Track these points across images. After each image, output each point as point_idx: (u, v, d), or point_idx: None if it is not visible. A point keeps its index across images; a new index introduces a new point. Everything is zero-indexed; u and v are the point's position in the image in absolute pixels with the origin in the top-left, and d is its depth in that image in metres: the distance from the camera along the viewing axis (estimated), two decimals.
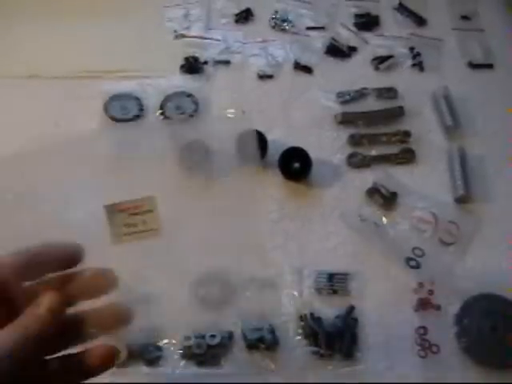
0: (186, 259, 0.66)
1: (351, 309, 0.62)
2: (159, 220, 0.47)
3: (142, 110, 0.77)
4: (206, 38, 0.86)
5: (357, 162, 0.73)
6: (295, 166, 0.71)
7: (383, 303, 0.63)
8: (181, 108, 0.77)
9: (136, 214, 0.47)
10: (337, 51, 0.85)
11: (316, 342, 0.60)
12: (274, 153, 0.72)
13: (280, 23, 0.88)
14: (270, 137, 0.72)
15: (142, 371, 0.59)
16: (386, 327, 0.62)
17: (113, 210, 0.46)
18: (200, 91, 0.79)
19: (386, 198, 0.70)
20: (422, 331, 0.61)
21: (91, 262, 0.40)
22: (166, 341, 0.60)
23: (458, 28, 0.87)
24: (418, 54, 0.84)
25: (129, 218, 0.47)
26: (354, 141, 0.75)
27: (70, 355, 0.37)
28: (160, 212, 0.47)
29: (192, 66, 0.82)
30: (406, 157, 0.74)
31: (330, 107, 0.79)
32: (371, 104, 0.79)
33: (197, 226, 0.69)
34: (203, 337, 0.60)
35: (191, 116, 0.77)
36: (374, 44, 0.85)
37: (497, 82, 0.81)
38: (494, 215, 0.69)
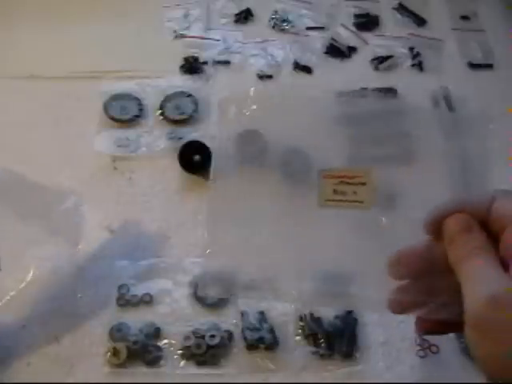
0: (186, 259, 0.66)
1: (351, 309, 0.62)
2: (371, 194, 0.49)
3: (141, 110, 0.77)
4: (205, 38, 0.86)
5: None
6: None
7: (383, 303, 0.63)
8: (180, 108, 0.77)
9: (348, 183, 0.48)
10: (336, 51, 0.85)
11: (316, 342, 0.60)
12: (274, 153, 0.71)
13: (280, 23, 0.88)
14: (269, 137, 0.72)
15: (141, 371, 0.59)
16: (386, 327, 0.62)
17: (325, 175, 0.48)
18: (200, 91, 0.79)
19: (385, 199, 0.70)
20: None
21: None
22: (165, 341, 0.60)
23: (458, 28, 0.87)
24: (418, 54, 0.84)
25: (339, 185, 0.48)
26: None
27: None
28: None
29: (192, 66, 0.82)
30: (406, 157, 0.74)
31: (329, 107, 0.79)
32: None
33: (197, 226, 0.70)
34: (203, 337, 0.59)
35: (191, 116, 0.77)
36: (373, 44, 0.85)
37: (497, 82, 0.81)
38: None
